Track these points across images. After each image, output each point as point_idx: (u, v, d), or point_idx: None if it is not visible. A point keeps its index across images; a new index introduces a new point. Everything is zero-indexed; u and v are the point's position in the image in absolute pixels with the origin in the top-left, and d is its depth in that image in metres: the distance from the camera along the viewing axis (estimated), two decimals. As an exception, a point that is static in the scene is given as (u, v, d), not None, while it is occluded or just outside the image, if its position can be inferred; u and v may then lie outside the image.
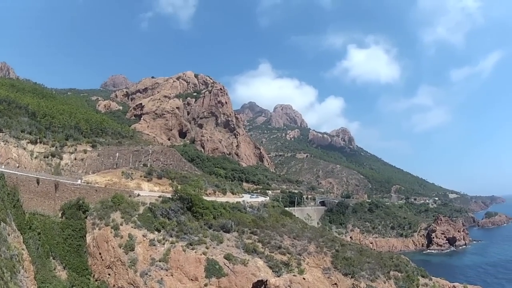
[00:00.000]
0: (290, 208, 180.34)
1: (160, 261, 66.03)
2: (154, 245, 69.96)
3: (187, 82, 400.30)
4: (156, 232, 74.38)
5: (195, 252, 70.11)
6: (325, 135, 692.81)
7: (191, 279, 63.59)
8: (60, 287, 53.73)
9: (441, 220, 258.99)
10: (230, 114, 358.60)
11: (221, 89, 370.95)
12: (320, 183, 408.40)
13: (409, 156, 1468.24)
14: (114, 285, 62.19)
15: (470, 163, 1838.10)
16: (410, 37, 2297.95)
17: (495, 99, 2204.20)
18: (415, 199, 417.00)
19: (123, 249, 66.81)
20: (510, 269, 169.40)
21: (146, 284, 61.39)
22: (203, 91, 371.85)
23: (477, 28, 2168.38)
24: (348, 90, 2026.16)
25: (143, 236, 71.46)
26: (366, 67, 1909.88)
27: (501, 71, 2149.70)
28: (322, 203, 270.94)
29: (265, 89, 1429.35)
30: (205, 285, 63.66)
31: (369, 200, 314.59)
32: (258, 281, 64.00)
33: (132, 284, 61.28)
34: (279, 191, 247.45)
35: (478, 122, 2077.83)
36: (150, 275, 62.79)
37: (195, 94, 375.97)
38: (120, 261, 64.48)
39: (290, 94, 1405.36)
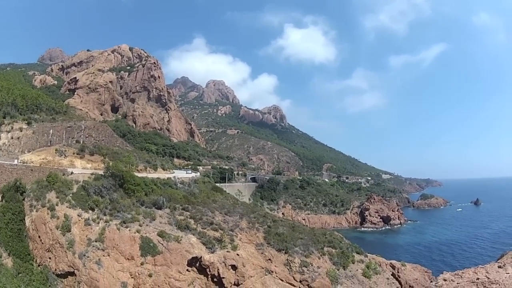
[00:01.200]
0: (221, 184, 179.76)
1: (96, 241, 64.06)
2: (90, 225, 67.34)
3: (121, 55, 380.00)
4: (90, 211, 71.29)
5: (129, 230, 68.15)
6: (256, 112, 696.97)
7: (128, 258, 62.74)
8: (8, 275, 51.62)
9: (374, 199, 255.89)
10: (162, 89, 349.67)
11: (154, 63, 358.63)
12: (251, 159, 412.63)
13: (342, 136, 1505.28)
14: (55, 269, 60.00)
15: (405, 146, 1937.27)
16: (350, 21, 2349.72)
17: (434, 88, 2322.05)
18: (347, 178, 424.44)
19: (60, 230, 64.02)
20: (445, 251, 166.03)
21: (85, 266, 59.79)
22: (137, 65, 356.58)
23: (422, 19, 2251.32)
24: (282, 68, 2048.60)
25: (78, 215, 68.46)
26: (301, 46, 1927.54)
27: (442, 63, 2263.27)
28: (253, 180, 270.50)
29: (198, 64, 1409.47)
30: (142, 263, 62.84)
31: (300, 177, 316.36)
32: (192, 258, 64.33)
33: (72, 267, 59.60)
34: (209, 167, 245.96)
35: (414, 108, 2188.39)
36: (88, 256, 61.16)
37: (128, 68, 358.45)
38: (59, 243, 62.10)
39: (223, 70, 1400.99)
